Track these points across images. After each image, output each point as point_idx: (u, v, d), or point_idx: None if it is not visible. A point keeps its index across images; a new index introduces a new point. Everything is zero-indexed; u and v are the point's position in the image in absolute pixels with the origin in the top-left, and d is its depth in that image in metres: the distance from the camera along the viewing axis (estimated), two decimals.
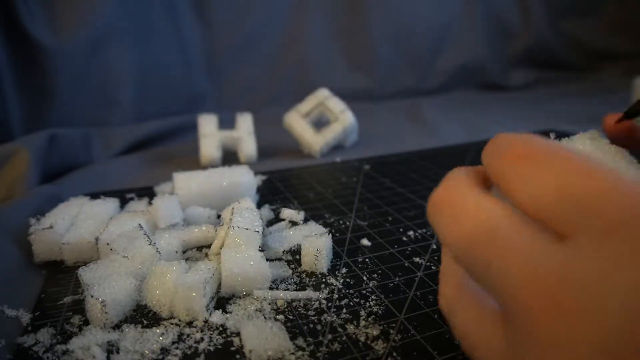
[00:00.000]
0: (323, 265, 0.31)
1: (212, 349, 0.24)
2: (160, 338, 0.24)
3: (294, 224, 0.38)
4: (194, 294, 0.26)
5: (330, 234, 0.33)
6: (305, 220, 0.38)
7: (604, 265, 0.12)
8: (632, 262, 0.12)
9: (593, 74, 1.09)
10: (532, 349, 0.13)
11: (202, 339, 0.24)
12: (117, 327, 0.25)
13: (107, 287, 0.26)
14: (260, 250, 0.30)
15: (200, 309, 0.26)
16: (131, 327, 0.25)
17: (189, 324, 0.26)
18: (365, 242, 0.35)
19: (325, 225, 0.37)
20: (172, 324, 0.26)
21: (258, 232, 0.31)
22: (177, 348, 0.24)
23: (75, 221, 0.34)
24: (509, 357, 0.15)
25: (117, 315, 0.26)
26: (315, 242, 0.31)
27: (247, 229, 0.31)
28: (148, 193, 0.44)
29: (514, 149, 0.16)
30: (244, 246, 0.30)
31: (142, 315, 0.27)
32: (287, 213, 0.39)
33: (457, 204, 0.17)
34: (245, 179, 0.40)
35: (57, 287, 0.30)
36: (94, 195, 0.40)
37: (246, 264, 0.28)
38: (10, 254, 0.32)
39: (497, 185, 0.17)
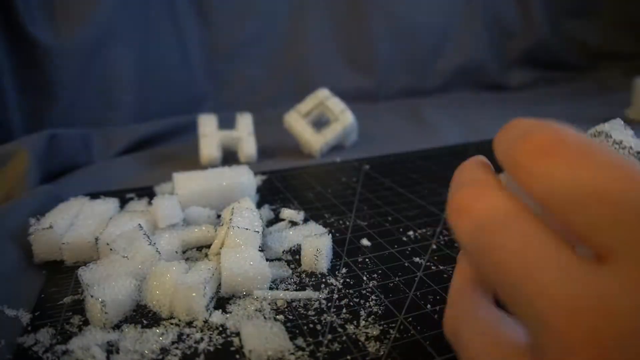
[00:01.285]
0: (323, 265, 0.31)
1: (211, 349, 0.24)
2: (160, 338, 0.24)
3: (293, 224, 0.38)
4: (193, 294, 0.26)
5: (330, 234, 0.33)
6: (305, 220, 0.38)
7: None
8: None
9: (593, 74, 1.09)
10: None
11: (201, 339, 0.24)
12: (116, 327, 0.25)
13: (107, 287, 0.26)
14: (260, 250, 0.30)
15: (200, 309, 0.26)
16: (131, 327, 0.25)
17: (189, 324, 0.26)
18: (365, 242, 0.34)
19: (325, 225, 0.37)
20: (171, 324, 0.26)
21: (258, 232, 0.31)
22: (176, 348, 0.24)
23: (75, 221, 0.34)
24: None
25: (116, 315, 0.26)
26: (315, 242, 0.31)
27: (247, 229, 0.31)
28: (148, 193, 0.44)
29: (539, 138, 0.14)
30: (243, 246, 0.30)
31: (142, 315, 0.27)
32: (287, 213, 0.39)
33: (482, 214, 0.15)
34: (245, 179, 0.40)
35: (57, 287, 0.30)
36: (94, 195, 0.40)
37: (246, 264, 0.28)
38: (10, 254, 0.32)
39: (516, 181, 0.15)
